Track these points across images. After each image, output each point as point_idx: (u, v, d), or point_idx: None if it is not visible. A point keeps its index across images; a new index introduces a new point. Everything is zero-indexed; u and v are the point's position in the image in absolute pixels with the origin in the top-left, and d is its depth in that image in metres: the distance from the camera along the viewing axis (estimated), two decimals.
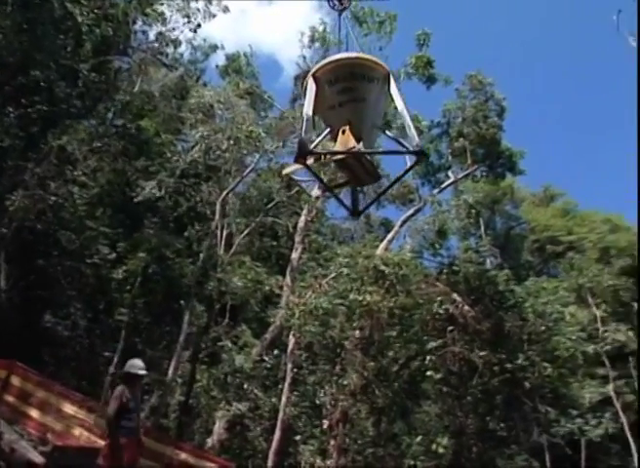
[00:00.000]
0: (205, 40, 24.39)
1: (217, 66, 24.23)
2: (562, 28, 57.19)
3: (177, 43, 22.36)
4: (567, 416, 17.77)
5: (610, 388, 18.16)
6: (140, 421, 6.65)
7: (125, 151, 18.41)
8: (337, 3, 6.40)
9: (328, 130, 5.12)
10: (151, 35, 20.95)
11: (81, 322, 18.07)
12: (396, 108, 4.92)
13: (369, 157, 4.85)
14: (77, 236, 17.00)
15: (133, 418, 6.21)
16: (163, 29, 20.45)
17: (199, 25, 20.28)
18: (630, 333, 18.83)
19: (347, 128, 4.65)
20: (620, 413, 17.67)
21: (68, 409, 10.17)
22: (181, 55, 24.09)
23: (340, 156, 4.74)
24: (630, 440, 17.26)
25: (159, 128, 20.77)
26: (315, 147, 4.90)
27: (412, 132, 4.46)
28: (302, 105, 17.05)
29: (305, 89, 5.06)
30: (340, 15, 6.95)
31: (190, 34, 21.41)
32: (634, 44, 20.32)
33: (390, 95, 4.89)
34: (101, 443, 9.63)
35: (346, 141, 4.62)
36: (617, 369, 19.14)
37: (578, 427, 17.66)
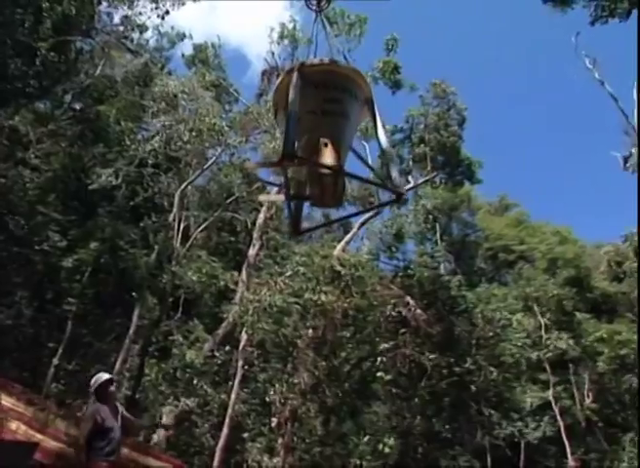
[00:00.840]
0: (173, 27, 23.86)
1: (183, 55, 23.78)
2: (522, 43, 58.95)
3: (143, 28, 21.78)
4: (509, 419, 18.40)
5: (550, 393, 18.91)
6: (119, 442, 5.77)
7: (82, 136, 17.80)
8: (314, 3, 6.24)
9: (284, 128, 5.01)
10: (116, 18, 20.32)
11: (26, 311, 17.37)
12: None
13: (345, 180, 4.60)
14: (26, 221, 16.32)
15: (111, 439, 5.48)
16: (129, 13, 19.84)
17: (167, 12, 19.78)
18: (571, 341, 19.65)
19: (330, 142, 4.38)
20: (558, 417, 18.43)
21: (5, 401, 9.76)
22: (147, 41, 23.49)
23: (324, 170, 4.40)
24: (566, 442, 18.02)
25: (119, 114, 20.18)
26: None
27: (395, 171, 4.28)
28: (268, 101, 16.80)
29: (283, 83, 4.72)
30: (317, 16, 6.80)
31: (158, 20, 20.89)
32: (590, 65, 21.25)
33: (374, 123, 4.68)
34: (40, 437, 9.34)
35: (332, 157, 4.31)
36: (557, 375, 19.94)
37: (518, 430, 18.32)
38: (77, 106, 18.45)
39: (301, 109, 4.59)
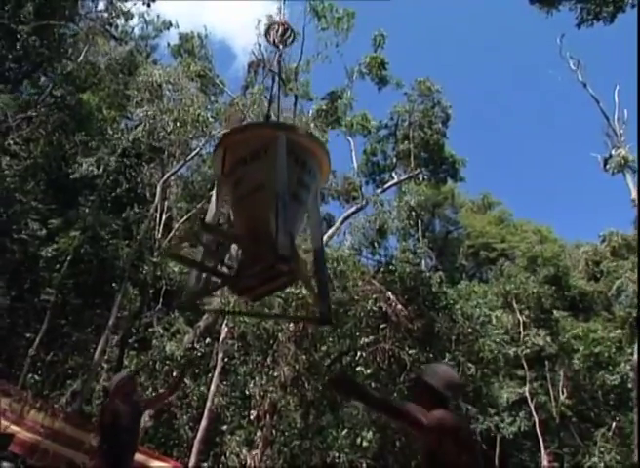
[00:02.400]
0: (158, 16, 23.54)
1: (168, 45, 23.48)
2: (507, 43, 59.50)
3: (128, 15, 21.46)
4: (486, 414, 18.68)
5: (526, 389, 19.23)
6: (128, 444, 5.18)
7: (63, 124, 17.49)
8: (277, 39, 5.99)
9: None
10: (101, 4, 20.00)
11: (3, 300, 17.10)
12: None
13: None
14: (4, 209, 16.03)
15: (115, 440, 4.92)
16: None
17: None
18: (548, 338, 19.99)
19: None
20: (533, 412, 18.76)
21: None
22: (132, 28, 23.16)
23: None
24: (540, 437, 18.37)
25: (102, 102, 19.90)
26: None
27: (326, 293, 3.83)
28: (254, 93, 16.62)
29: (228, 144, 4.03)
30: (279, 53, 6.61)
31: (143, 8, 20.62)
32: (573, 67, 21.55)
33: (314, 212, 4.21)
34: (15, 428, 9.23)
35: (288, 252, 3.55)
36: (534, 371, 20.29)
37: (495, 424, 18.60)
38: (59, 93, 18.08)
39: (247, 182, 3.99)
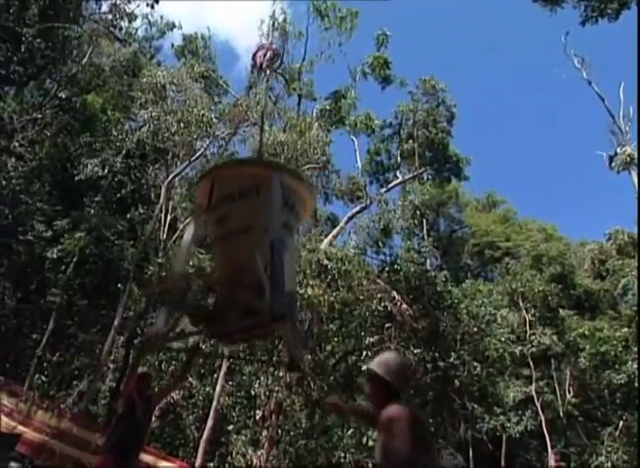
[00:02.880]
0: (162, 17, 23.61)
1: (172, 46, 23.57)
2: (511, 42, 59.28)
3: (132, 17, 21.51)
4: (491, 414, 18.62)
5: (532, 388, 19.16)
6: (142, 442, 5.26)
7: (68, 125, 17.56)
8: (265, 64, 5.93)
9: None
10: (105, 6, 20.05)
11: (9, 301, 17.18)
12: None
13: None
14: (10, 210, 16.10)
15: (119, 435, 4.94)
16: (118, 1, 19.61)
17: (157, 1, 19.58)
18: (554, 337, 19.91)
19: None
20: (540, 412, 18.69)
21: None
22: (136, 30, 23.21)
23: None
24: (546, 436, 18.30)
25: (107, 104, 19.96)
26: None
27: (297, 337, 3.65)
28: (258, 94, 16.64)
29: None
30: (266, 79, 6.54)
31: (147, 9, 20.65)
32: (578, 65, 21.46)
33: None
34: (22, 429, 9.27)
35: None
36: (540, 370, 20.21)
37: (500, 424, 18.55)
38: (63, 95, 18.15)
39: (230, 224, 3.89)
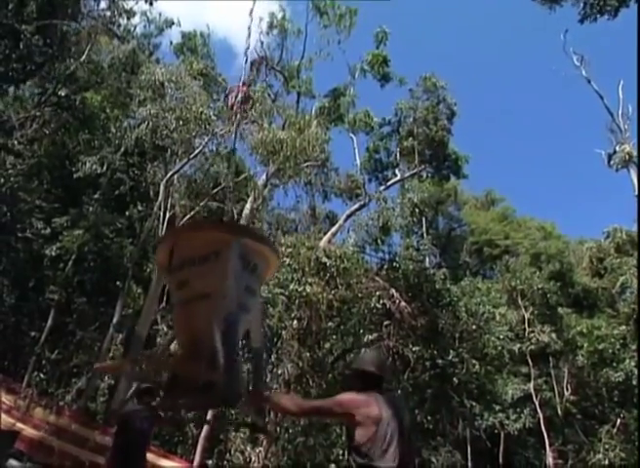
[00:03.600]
0: (160, 14, 23.55)
1: (171, 43, 23.52)
2: (510, 39, 59.21)
3: (130, 14, 21.47)
4: (490, 411, 18.66)
5: (531, 386, 19.20)
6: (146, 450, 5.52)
7: (66, 123, 17.53)
8: (237, 105, 6.03)
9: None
10: (103, 2, 20.00)
11: (8, 298, 17.18)
12: None
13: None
14: (9, 208, 16.09)
15: (127, 442, 5.19)
16: None
17: None
18: (553, 335, 19.95)
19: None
20: (538, 409, 18.73)
21: None
22: (135, 27, 23.15)
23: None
24: (545, 434, 18.35)
25: (105, 101, 19.92)
26: None
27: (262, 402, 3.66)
28: (257, 91, 16.55)
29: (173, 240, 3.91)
30: (237, 123, 6.69)
31: (145, 6, 20.63)
32: (577, 63, 21.46)
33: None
34: (20, 426, 9.29)
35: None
36: (538, 367, 20.26)
37: (499, 421, 18.58)
38: (62, 92, 18.11)
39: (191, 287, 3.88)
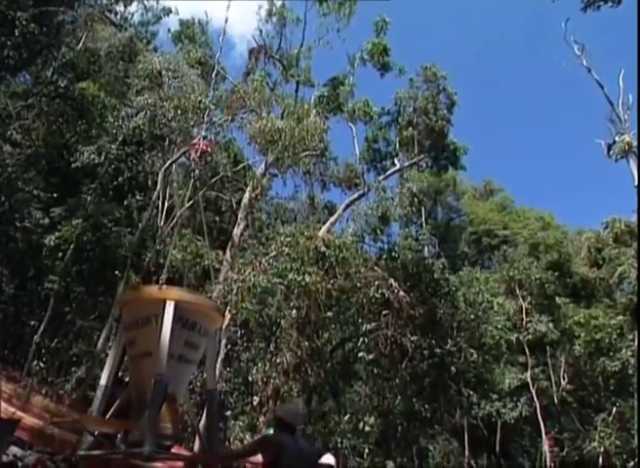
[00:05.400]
0: (158, 1, 23.33)
1: (169, 31, 23.31)
2: (511, 29, 58.86)
3: (127, 1, 21.28)
4: (487, 400, 18.80)
5: (527, 375, 19.32)
6: None
7: (64, 112, 17.40)
8: (197, 160, 6.99)
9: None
10: None
11: (7, 288, 17.18)
12: None
13: None
14: (7, 198, 16.03)
15: None
16: None
17: None
18: (551, 325, 20.05)
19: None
20: (535, 398, 18.88)
21: None
22: (132, 14, 22.97)
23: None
24: (541, 422, 18.50)
25: (102, 90, 19.77)
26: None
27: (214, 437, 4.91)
28: (255, 80, 16.50)
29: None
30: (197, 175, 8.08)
31: None
32: (578, 52, 21.31)
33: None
34: (21, 414, 9.32)
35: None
36: (535, 357, 20.38)
37: (496, 410, 18.74)
38: (60, 82, 17.95)
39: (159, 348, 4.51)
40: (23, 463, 8.39)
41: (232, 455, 4.89)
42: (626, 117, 20.45)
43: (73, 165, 17.36)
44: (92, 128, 18.29)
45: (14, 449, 8.64)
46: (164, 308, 4.47)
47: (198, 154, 7.28)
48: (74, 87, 17.65)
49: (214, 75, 13.06)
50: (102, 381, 5.13)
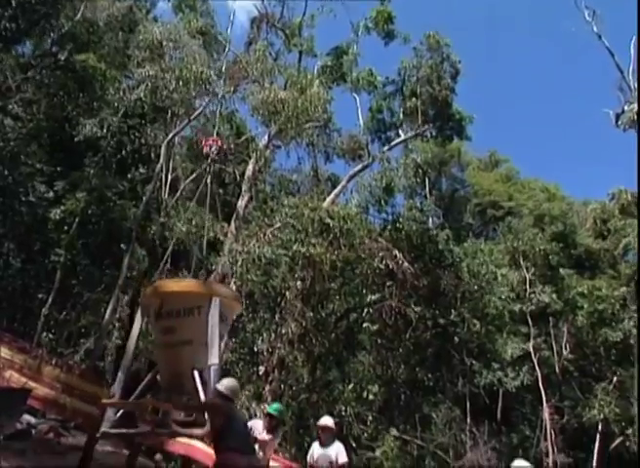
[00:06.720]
0: None
1: (169, 0, 22.80)
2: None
3: None
4: (489, 369, 19.05)
5: (530, 345, 19.51)
6: None
7: (64, 85, 17.21)
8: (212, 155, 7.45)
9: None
10: None
11: (14, 261, 17.34)
12: None
13: None
14: (10, 171, 16.02)
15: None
16: None
17: None
18: (554, 295, 20.13)
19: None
20: (537, 367, 19.11)
21: None
22: None
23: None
24: (542, 391, 18.77)
25: (102, 61, 19.50)
26: None
27: None
28: (258, 50, 16.32)
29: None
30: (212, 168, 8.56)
31: None
32: (589, 18, 20.73)
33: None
34: (32, 384, 9.52)
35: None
36: (538, 327, 20.54)
37: (498, 379, 18.99)
38: (61, 55, 17.70)
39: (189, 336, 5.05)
40: (37, 430, 8.65)
41: (186, 408, 5.37)
42: (636, 85, 20.01)
43: (76, 138, 17.28)
44: (93, 100, 18.11)
45: (27, 417, 8.89)
46: (210, 302, 4.98)
47: (215, 151, 7.75)
48: (74, 59, 17.42)
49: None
50: (125, 362, 5.73)
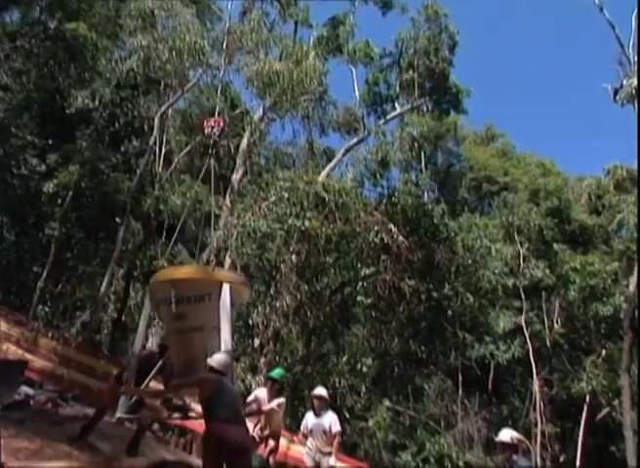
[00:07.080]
0: None
1: None
2: None
3: None
4: (481, 342, 19.35)
5: (522, 318, 19.75)
6: None
7: (55, 55, 16.83)
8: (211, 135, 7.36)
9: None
10: None
11: (8, 235, 17.28)
12: None
13: None
14: (1, 144, 15.82)
15: None
16: None
17: None
18: (547, 270, 20.29)
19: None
20: (528, 340, 19.40)
21: None
22: None
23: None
24: (533, 364, 19.11)
25: (94, 31, 19.05)
26: None
27: None
28: (252, 20, 15.98)
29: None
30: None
31: None
32: None
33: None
34: (29, 356, 9.61)
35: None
36: (530, 301, 20.76)
37: (490, 352, 19.31)
38: (48, 22, 17.26)
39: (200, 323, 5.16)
40: (35, 401, 8.76)
41: (177, 386, 5.53)
42: (636, 59, 19.73)
43: (67, 110, 17.02)
44: (84, 71, 17.74)
45: (25, 389, 8.99)
46: (220, 289, 5.11)
47: (217, 132, 7.61)
48: (64, 27, 17.00)
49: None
50: (135, 349, 5.89)
